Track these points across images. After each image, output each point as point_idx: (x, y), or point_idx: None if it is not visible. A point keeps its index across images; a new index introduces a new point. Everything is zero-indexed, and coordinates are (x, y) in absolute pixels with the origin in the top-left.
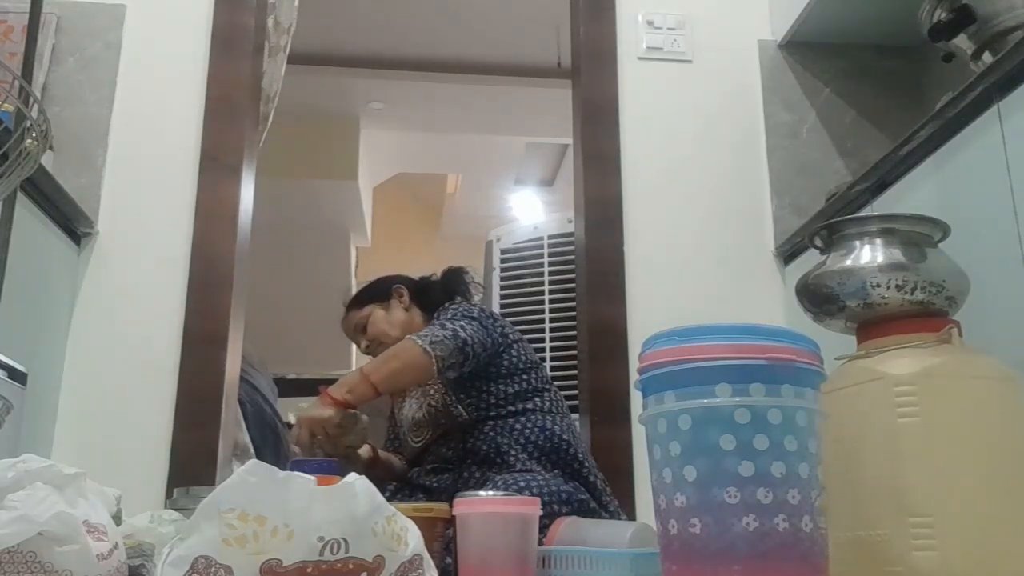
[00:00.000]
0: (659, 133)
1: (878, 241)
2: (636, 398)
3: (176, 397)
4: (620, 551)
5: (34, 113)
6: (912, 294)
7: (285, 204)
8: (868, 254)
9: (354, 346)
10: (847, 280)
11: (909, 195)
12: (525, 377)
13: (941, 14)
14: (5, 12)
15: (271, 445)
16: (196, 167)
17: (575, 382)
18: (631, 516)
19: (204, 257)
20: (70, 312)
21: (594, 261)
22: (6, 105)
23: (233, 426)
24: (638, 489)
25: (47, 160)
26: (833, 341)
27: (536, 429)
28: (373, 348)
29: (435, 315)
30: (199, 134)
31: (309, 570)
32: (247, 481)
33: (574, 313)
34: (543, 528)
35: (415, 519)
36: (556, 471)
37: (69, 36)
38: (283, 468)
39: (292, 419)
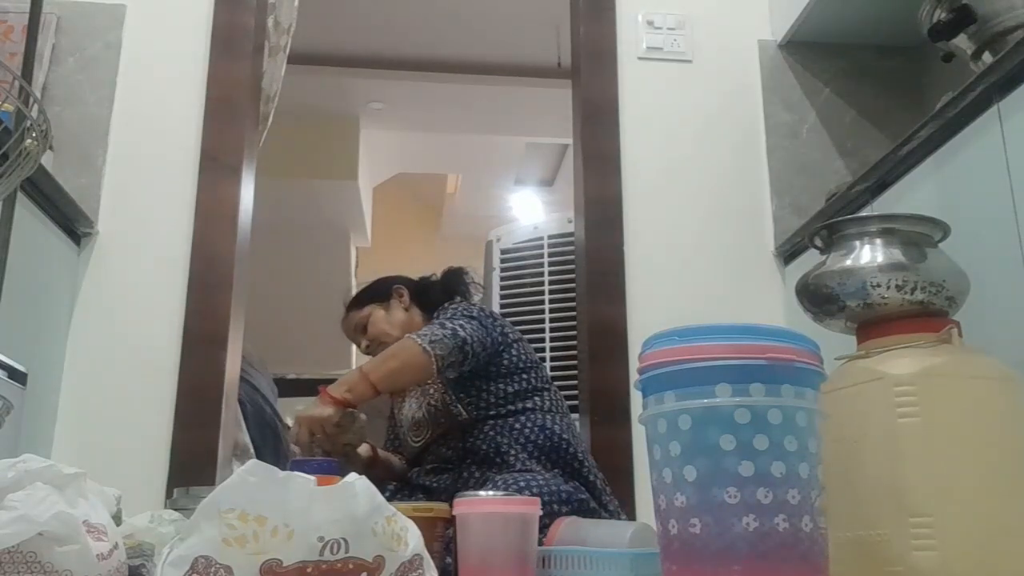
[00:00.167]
0: (659, 133)
1: (878, 241)
2: (636, 398)
3: (176, 397)
4: (620, 551)
5: (34, 113)
6: (912, 294)
7: (285, 204)
8: (868, 254)
9: (354, 346)
10: (847, 280)
11: (909, 195)
12: (525, 376)
13: (941, 14)
14: (5, 12)
15: (271, 445)
16: (196, 167)
17: (575, 382)
18: (631, 516)
19: (204, 257)
20: (70, 312)
21: (594, 261)
22: (6, 105)
23: (233, 426)
24: (638, 489)
25: (47, 160)
26: (833, 341)
27: (536, 428)
28: (373, 348)
29: (435, 315)
30: (199, 134)
31: (309, 570)
32: (247, 481)
33: (574, 313)
34: (543, 528)
35: (415, 519)
36: (556, 471)
37: (69, 36)
38: (283, 468)
39: (291, 421)
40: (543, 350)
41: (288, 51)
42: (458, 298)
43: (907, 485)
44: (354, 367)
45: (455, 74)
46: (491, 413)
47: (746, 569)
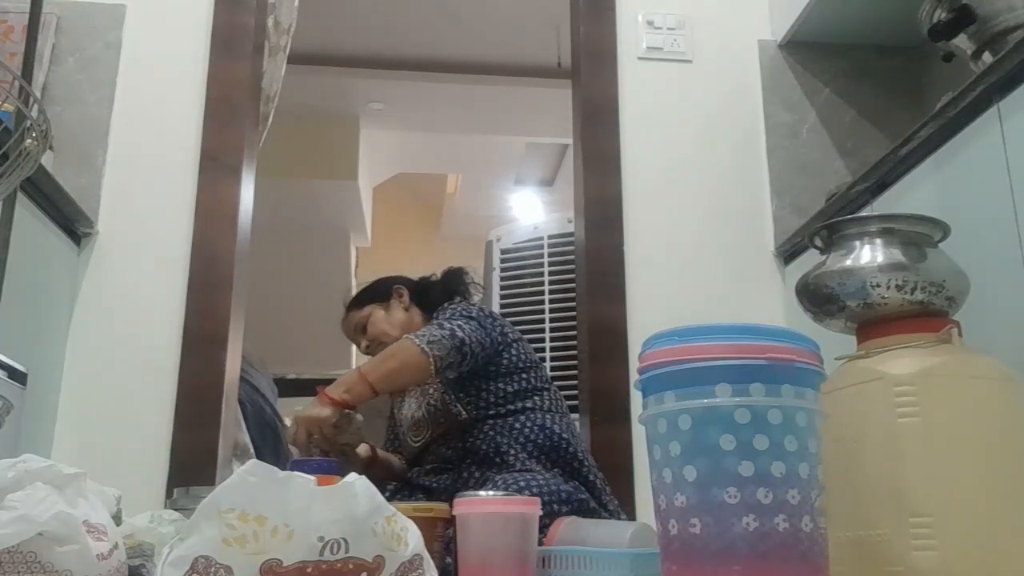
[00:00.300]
0: (659, 133)
1: (878, 241)
2: (636, 398)
3: (176, 397)
4: (620, 551)
5: (34, 113)
6: (912, 294)
7: (285, 204)
8: (868, 254)
9: (354, 346)
10: (847, 280)
11: (909, 195)
12: (524, 376)
13: (941, 14)
14: (5, 12)
15: (271, 445)
16: (196, 167)
17: (575, 382)
18: (631, 516)
19: (204, 257)
20: (70, 312)
21: (594, 261)
22: (6, 105)
23: (233, 426)
24: (638, 489)
25: (47, 160)
26: (833, 341)
27: (536, 428)
28: (373, 348)
29: (434, 315)
30: (199, 134)
31: (309, 570)
32: (247, 481)
33: (574, 313)
34: (543, 527)
35: (415, 519)
36: (556, 470)
37: (69, 36)
38: (283, 468)
39: (291, 421)
40: (543, 350)
41: (288, 51)
42: (458, 298)
43: (907, 485)
44: (354, 367)
45: (455, 74)
46: (491, 413)
47: (746, 569)
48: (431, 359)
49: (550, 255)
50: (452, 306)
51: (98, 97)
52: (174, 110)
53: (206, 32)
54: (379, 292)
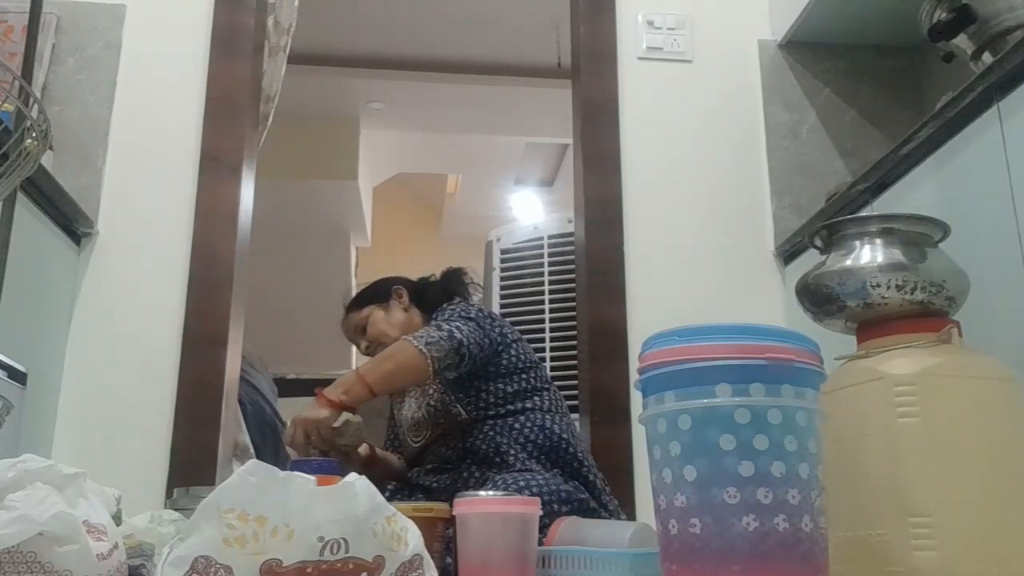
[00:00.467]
0: (659, 133)
1: (878, 241)
2: (636, 398)
3: (176, 397)
4: (620, 551)
5: (34, 113)
6: (912, 294)
7: (285, 204)
8: (868, 254)
9: (354, 346)
10: (847, 280)
11: (909, 195)
12: (524, 376)
13: (941, 14)
14: (5, 12)
15: (271, 445)
16: (196, 167)
17: (575, 382)
18: (631, 516)
19: (204, 257)
20: (70, 312)
21: (594, 261)
22: (6, 105)
23: (233, 426)
24: (638, 489)
25: (47, 160)
26: (833, 341)
27: (535, 428)
28: (373, 349)
29: (433, 316)
30: (199, 134)
31: (309, 570)
32: (247, 481)
33: (574, 313)
34: (543, 527)
35: (415, 519)
36: (556, 470)
37: (69, 36)
38: (283, 468)
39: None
40: (543, 350)
41: (288, 51)
42: (457, 299)
43: (907, 485)
44: (353, 368)
45: (455, 74)
46: (490, 413)
47: (746, 569)
48: (429, 360)
49: (550, 255)
50: (451, 307)
51: (98, 97)
52: (174, 110)
53: (206, 32)
54: (378, 293)
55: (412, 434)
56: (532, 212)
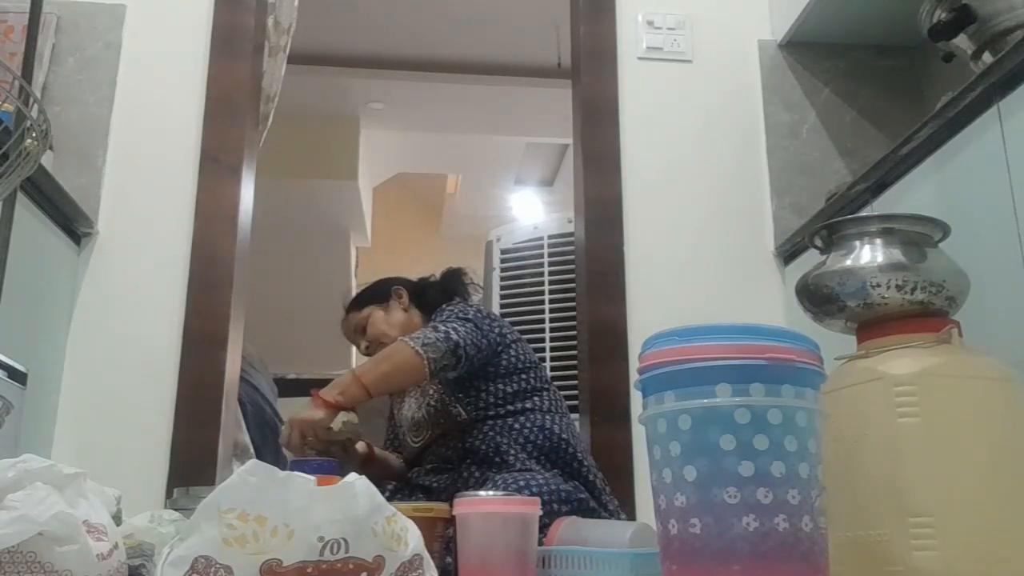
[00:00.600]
0: (659, 133)
1: (878, 241)
2: (636, 398)
3: (176, 397)
4: (620, 551)
5: (34, 113)
6: (912, 294)
7: (285, 204)
8: (868, 254)
9: (353, 346)
10: (847, 280)
11: (909, 195)
12: (524, 376)
13: (941, 14)
14: (5, 12)
15: (271, 445)
16: (196, 167)
17: (575, 382)
18: (631, 516)
19: (204, 257)
20: (70, 312)
21: (594, 261)
22: (6, 105)
23: (233, 426)
24: (638, 489)
25: (47, 160)
26: (833, 341)
27: (535, 428)
28: (373, 349)
29: (432, 316)
30: (199, 134)
31: (309, 570)
32: (247, 481)
33: (574, 313)
34: (543, 527)
35: (415, 519)
36: (555, 470)
37: (69, 36)
38: (283, 468)
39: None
40: (543, 350)
41: (288, 51)
42: (457, 299)
43: (907, 485)
44: (354, 367)
45: (455, 74)
46: (490, 413)
47: (746, 569)
48: (425, 361)
49: (550, 255)
50: (450, 308)
51: (98, 97)
52: (174, 110)
53: (206, 32)
54: (378, 293)
55: (412, 434)
56: (532, 212)
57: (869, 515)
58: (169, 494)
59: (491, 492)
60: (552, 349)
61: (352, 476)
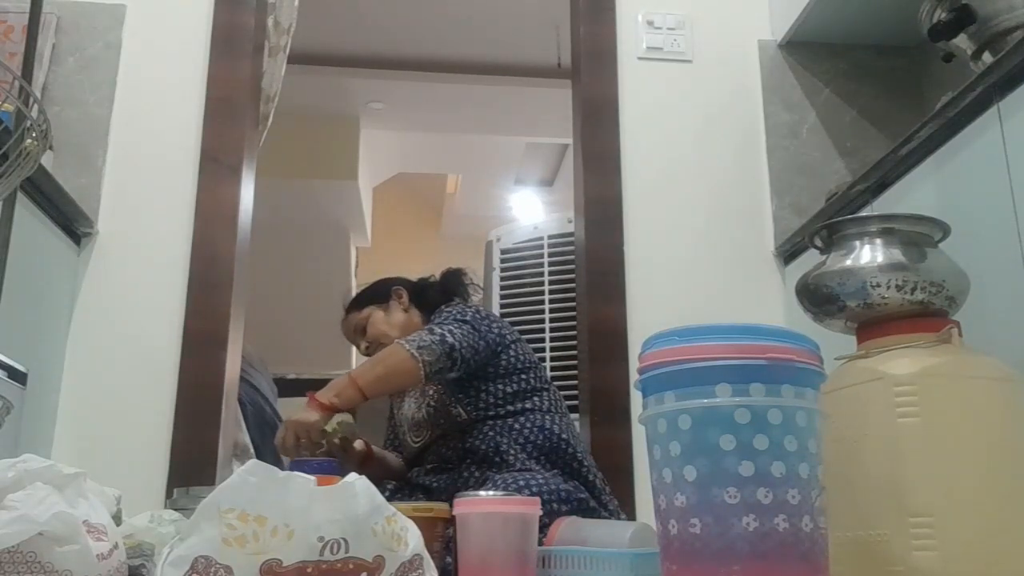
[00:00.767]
0: (659, 133)
1: (878, 241)
2: (636, 398)
3: (176, 397)
4: (620, 551)
5: (34, 113)
6: (912, 294)
7: (285, 204)
8: (868, 254)
9: (354, 346)
10: (847, 280)
11: (909, 195)
12: (524, 377)
13: (941, 14)
14: (5, 12)
15: (271, 445)
16: (196, 167)
17: (575, 382)
18: (631, 516)
19: (204, 257)
20: (70, 312)
21: (594, 261)
22: (6, 105)
23: (233, 426)
24: (638, 489)
25: (47, 160)
26: (833, 341)
27: (535, 429)
28: (373, 349)
29: (431, 317)
30: (199, 134)
31: (309, 570)
32: (247, 481)
33: (574, 313)
34: (543, 527)
35: (415, 519)
36: (555, 470)
37: (69, 36)
38: (283, 468)
39: None
40: (543, 350)
41: (288, 51)
42: (457, 299)
43: (907, 485)
44: (354, 367)
45: (455, 74)
46: (490, 414)
47: (746, 569)
48: (420, 364)
49: (550, 255)
50: (448, 309)
51: (98, 97)
52: (174, 110)
53: (206, 32)
54: (378, 293)
55: (412, 434)
56: (532, 212)
57: (869, 515)
58: (169, 494)
59: (491, 492)
60: (552, 349)
61: (352, 476)
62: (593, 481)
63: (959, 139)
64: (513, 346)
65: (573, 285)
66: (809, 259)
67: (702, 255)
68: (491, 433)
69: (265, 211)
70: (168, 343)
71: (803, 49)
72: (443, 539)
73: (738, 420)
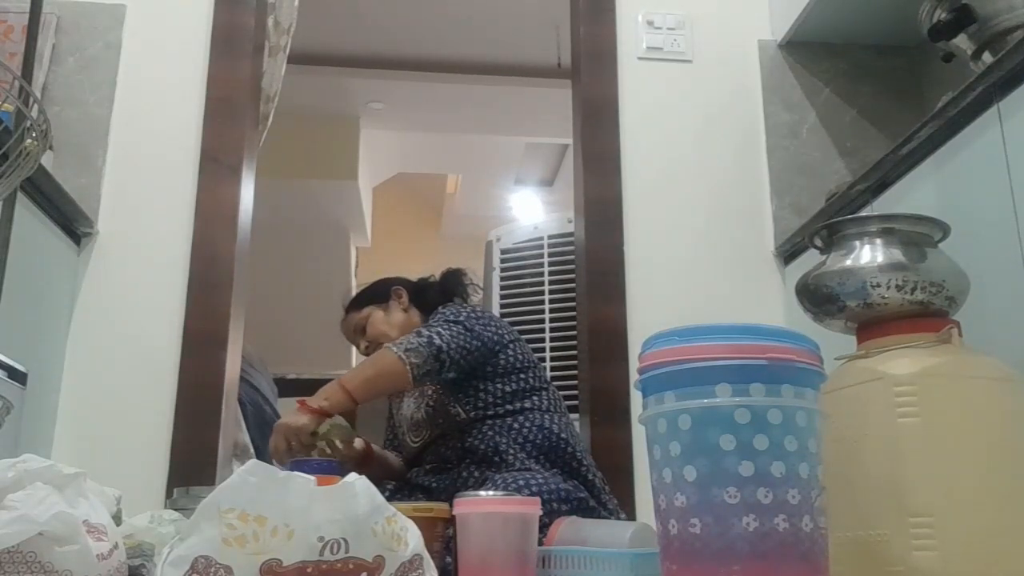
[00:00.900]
0: (659, 133)
1: (878, 241)
2: (636, 398)
3: (176, 397)
4: (620, 551)
5: (34, 113)
6: (912, 294)
7: (285, 204)
8: (868, 254)
9: (354, 347)
10: (847, 280)
11: (909, 195)
12: (522, 376)
13: (941, 14)
14: (5, 12)
15: None
16: (196, 167)
17: (575, 382)
18: (631, 516)
19: (204, 257)
20: (70, 312)
21: (594, 261)
22: (6, 105)
23: (233, 426)
24: (638, 489)
25: (47, 160)
26: (833, 341)
27: (534, 428)
28: (372, 349)
29: (429, 317)
30: (199, 134)
31: (309, 570)
32: (247, 481)
33: (574, 313)
34: (543, 526)
35: (415, 519)
36: (555, 469)
37: (69, 36)
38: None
39: None
40: (543, 350)
41: (288, 51)
42: (456, 300)
43: (907, 485)
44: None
45: (455, 74)
46: (489, 413)
47: (746, 569)
48: (408, 367)
49: (550, 255)
50: (443, 310)
51: (98, 97)
52: (174, 110)
53: (206, 32)
54: (378, 293)
55: (411, 434)
56: (532, 212)
57: (869, 515)
58: (169, 494)
59: (491, 492)
60: (552, 349)
61: (352, 476)
62: (592, 480)
63: (959, 139)
64: (511, 345)
65: (573, 285)
66: (809, 259)
67: (702, 255)
68: (490, 433)
69: (265, 211)
70: (168, 343)
71: (803, 49)
72: (443, 539)
73: (738, 420)
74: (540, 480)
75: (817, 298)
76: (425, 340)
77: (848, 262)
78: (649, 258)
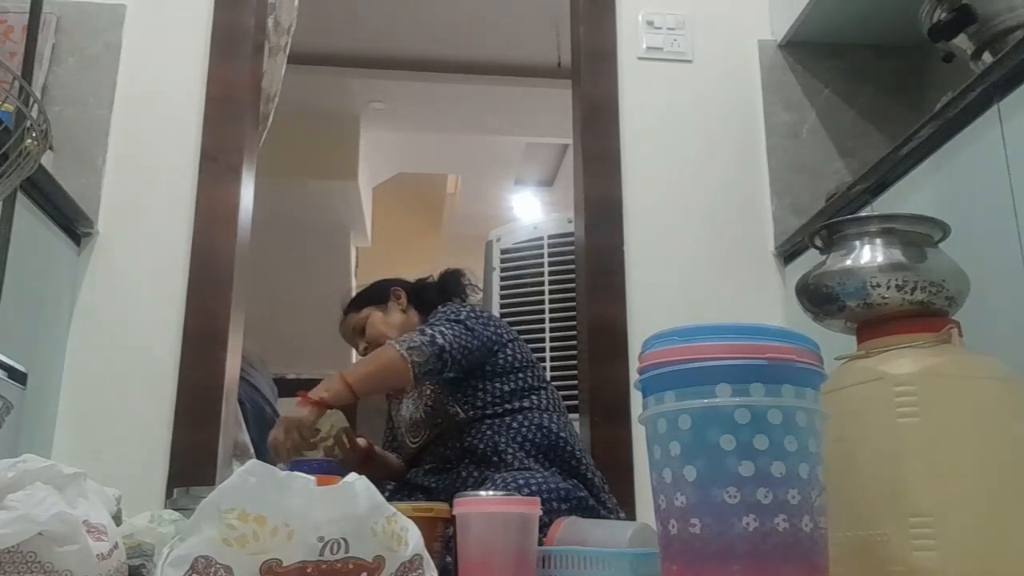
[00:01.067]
0: (659, 133)
1: (878, 241)
2: (636, 398)
3: (176, 397)
4: (620, 551)
5: (34, 113)
6: (912, 294)
7: (285, 204)
8: (868, 254)
9: (352, 348)
10: (847, 280)
11: (909, 195)
12: (521, 375)
13: (941, 14)
14: (5, 12)
15: None
16: (196, 167)
17: (575, 382)
18: (631, 516)
19: (204, 257)
20: (70, 312)
21: (594, 261)
22: (6, 105)
23: (233, 426)
24: (638, 489)
25: (47, 160)
26: (833, 341)
27: (533, 427)
28: (371, 350)
29: (428, 318)
30: (199, 134)
31: (309, 570)
32: (247, 481)
33: (574, 313)
34: (542, 526)
35: (415, 519)
36: (554, 469)
37: (69, 36)
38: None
39: None
40: (543, 350)
41: (288, 51)
42: (455, 300)
43: (907, 485)
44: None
45: (455, 74)
46: (488, 412)
47: (746, 569)
48: (409, 365)
49: (550, 255)
50: (443, 309)
51: (98, 97)
52: (174, 110)
53: (206, 32)
54: (377, 294)
55: (410, 434)
56: (532, 212)
57: (869, 515)
58: (169, 494)
59: (491, 492)
60: (552, 349)
61: (352, 476)
62: (592, 479)
63: (959, 139)
64: (510, 344)
65: (573, 285)
66: (809, 259)
67: (702, 255)
68: (489, 432)
69: (265, 211)
70: (168, 343)
71: (803, 49)
72: (443, 539)
73: (738, 420)
74: (539, 479)
75: (817, 298)
76: (428, 339)
77: (848, 262)
78: (649, 258)
